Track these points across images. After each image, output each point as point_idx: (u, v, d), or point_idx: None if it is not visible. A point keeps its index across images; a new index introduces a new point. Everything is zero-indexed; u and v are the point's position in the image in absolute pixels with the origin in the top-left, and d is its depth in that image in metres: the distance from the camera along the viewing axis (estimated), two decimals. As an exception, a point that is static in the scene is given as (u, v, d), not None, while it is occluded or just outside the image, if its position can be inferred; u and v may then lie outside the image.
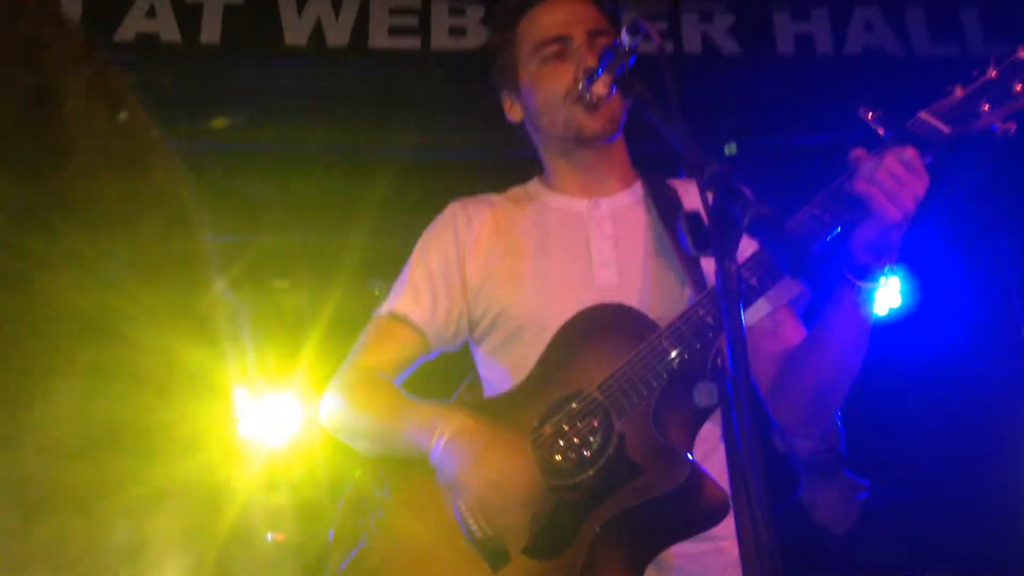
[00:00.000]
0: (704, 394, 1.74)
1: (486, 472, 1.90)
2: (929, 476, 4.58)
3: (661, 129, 1.74)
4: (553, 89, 2.18)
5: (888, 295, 4.97)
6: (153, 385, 0.49)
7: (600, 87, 1.98)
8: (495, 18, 2.42)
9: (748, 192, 1.44)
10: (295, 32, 3.98)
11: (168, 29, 3.89)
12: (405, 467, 2.05)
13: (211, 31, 3.91)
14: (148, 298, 0.50)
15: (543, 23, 2.23)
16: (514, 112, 2.35)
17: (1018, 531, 4.53)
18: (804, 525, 4.14)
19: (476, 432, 1.95)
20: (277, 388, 5.09)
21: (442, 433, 1.96)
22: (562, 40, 2.18)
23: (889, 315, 4.97)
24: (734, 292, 1.42)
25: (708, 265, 2.08)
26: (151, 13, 3.90)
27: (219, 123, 3.96)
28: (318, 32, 3.99)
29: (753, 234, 1.40)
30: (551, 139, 2.28)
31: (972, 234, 4.77)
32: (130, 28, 3.88)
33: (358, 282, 4.71)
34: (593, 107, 2.11)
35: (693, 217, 1.49)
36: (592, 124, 2.14)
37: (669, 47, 4.05)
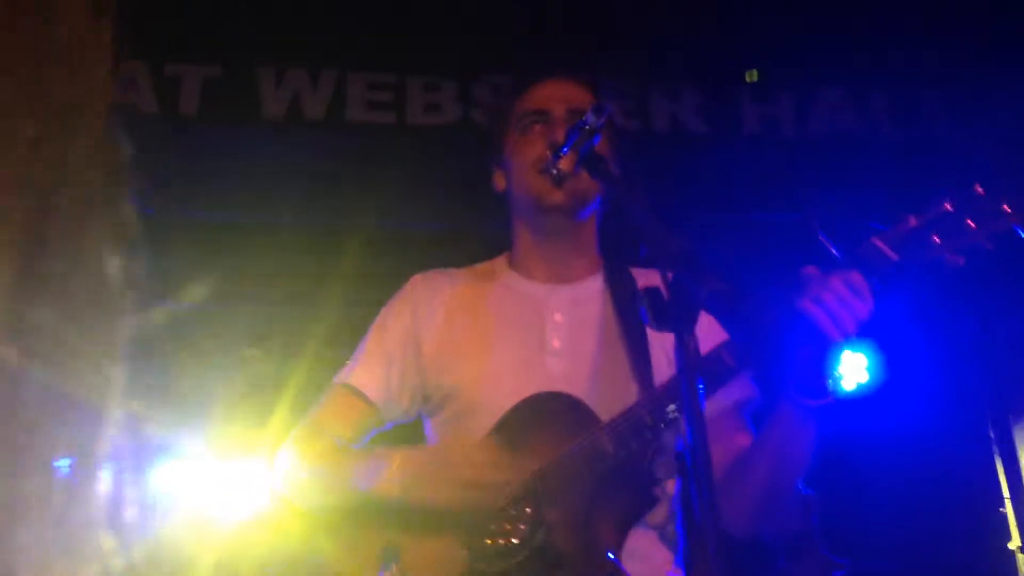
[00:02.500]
0: (665, 466, 1.76)
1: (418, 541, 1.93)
2: (895, 549, 4.58)
3: (625, 205, 1.78)
4: (526, 157, 2.24)
5: (856, 371, 5.04)
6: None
7: (565, 163, 2.03)
8: (493, 96, 2.51)
9: (708, 269, 1.48)
10: (273, 105, 4.04)
11: (147, 101, 3.94)
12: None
13: (189, 102, 3.97)
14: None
15: (530, 99, 2.32)
16: (499, 182, 2.40)
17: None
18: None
19: (426, 458, 2.01)
20: (247, 457, 5.04)
21: (391, 461, 2.00)
22: (543, 114, 2.26)
23: (857, 390, 5.03)
24: (692, 366, 1.46)
25: (658, 363, 2.14)
26: (131, 85, 3.96)
27: None
28: (296, 105, 4.06)
29: (710, 310, 1.44)
30: (520, 206, 2.33)
31: (933, 307, 4.85)
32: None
33: (331, 351, 4.70)
34: (558, 181, 2.15)
35: (653, 292, 1.52)
36: (553, 196, 2.18)
37: (637, 126, 4.15)
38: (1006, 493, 4.67)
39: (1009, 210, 1.84)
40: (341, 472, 2.12)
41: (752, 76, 4.29)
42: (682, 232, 1.54)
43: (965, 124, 4.37)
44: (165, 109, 3.96)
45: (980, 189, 1.86)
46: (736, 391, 2.18)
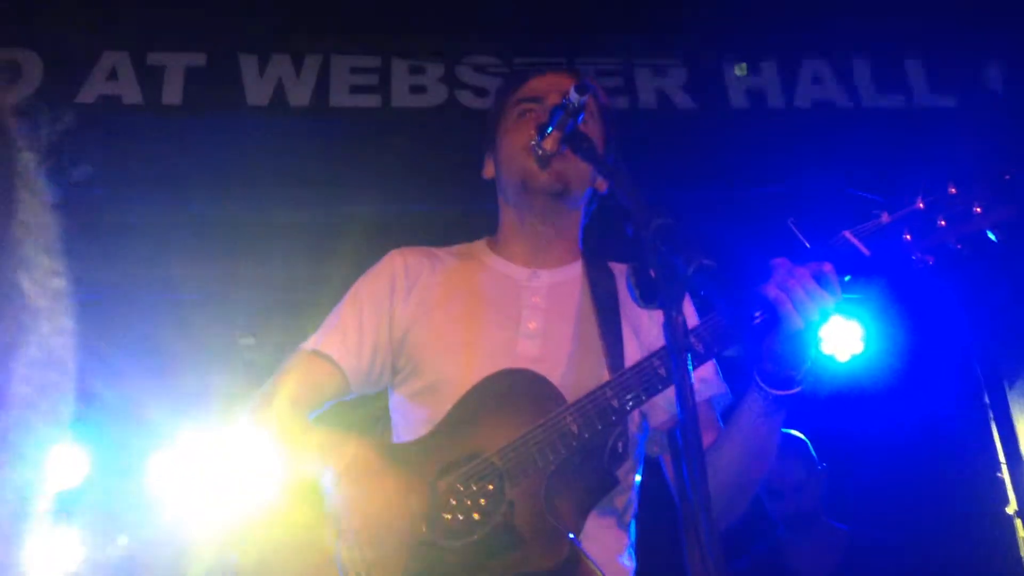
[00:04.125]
0: (655, 444, 1.76)
1: (370, 507, 1.93)
2: (894, 515, 4.61)
3: (610, 183, 1.79)
4: (515, 141, 2.28)
5: (851, 341, 5.05)
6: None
7: (550, 143, 2.04)
8: (496, 89, 2.56)
9: (693, 245, 1.48)
10: (257, 92, 4.02)
11: (130, 91, 3.92)
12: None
13: (173, 92, 3.94)
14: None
15: (526, 88, 2.37)
16: (488, 169, 2.44)
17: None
18: (777, 573, 4.14)
19: (368, 466, 1.98)
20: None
21: (336, 462, 1.99)
22: (536, 100, 2.31)
23: (851, 361, 5.04)
24: (681, 343, 1.46)
25: (630, 350, 2.15)
26: (112, 75, 3.93)
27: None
28: (280, 92, 4.03)
29: (697, 285, 1.44)
30: (507, 188, 2.36)
31: (925, 275, 4.86)
32: (92, 90, 3.90)
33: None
34: (544, 161, 2.16)
35: (640, 270, 1.53)
36: (539, 176, 2.21)
37: (624, 103, 4.14)
38: (1002, 458, 4.69)
39: (980, 211, 1.86)
40: (293, 453, 2.12)
41: (742, 70, 4.29)
42: (667, 210, 1.54)
43: (948, 91, 4.36)
44: (149, 99, 3.93)
45: (953, 189, 1.89)
46: (707, 387, 2.20)
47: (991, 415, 4.79)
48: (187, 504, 5.03)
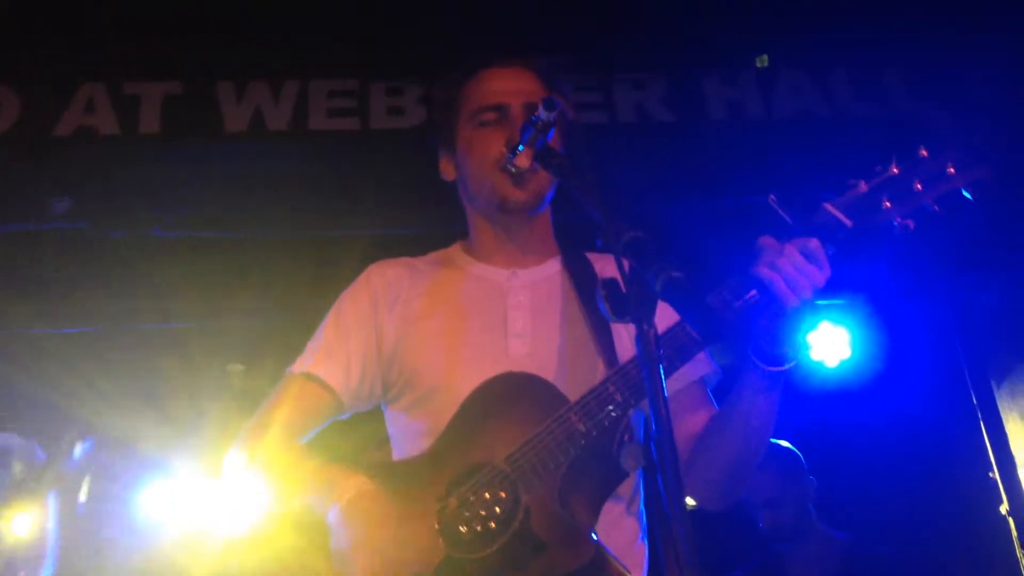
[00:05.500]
0: (631, 457, 1.75)
1: (380, 543, 1.89)
2: (889, 520, 4.61)
3: (580, 198, 1.78)
4: (484, 156, 2.22)
5: (838, 347, 5.06)
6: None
7: (522, 160, 2.03)
8: (442, 78, 2.45)
9: (662, 258, 1.48)
10: (235, 118, 4.03)
11: (108, 122, 3.92)
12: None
13: (150, 121, 3.94)
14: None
15: (485, 89, 2.28)
16: (447, 171, 2.39)
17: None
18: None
19: (374, 499, 1.95)
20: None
21: (339, 498, 1.96)
22: (500, 108, 2.24)
23: (839, 366, 5.05)
24: (654, 356, 1.45)
25: (620, 340, 2.14)
26: (90, 107, 3.93)
27: None
28: (258, 117, 4.04)
29: (666, 299, 1.43)
30: (478, 202, 2.32)
31: (913, 279, 4.88)
32: (69, 123, 3.90)
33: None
34: (519, 179, 2.15)
35: (610, 284, 1.52)
36: (517, 196, 2.19)
37: (603, 117, 4.16)
38: (992, 458, 4.70)
39: (953, 171, 1.89)
40: (290, 489, 2.09)
41: (763, 62, 4.31)
42: (636, 222, 1.54)
43: (926, 97, 4.39)
44: (127, 129, 3.93)
45: (924, 152, 1.91)
46: (698, 367, 2.19)
47: (980, 415, 4.80)
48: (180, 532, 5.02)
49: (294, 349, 4.30)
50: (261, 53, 4.12)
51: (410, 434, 2.19)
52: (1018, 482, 4.61)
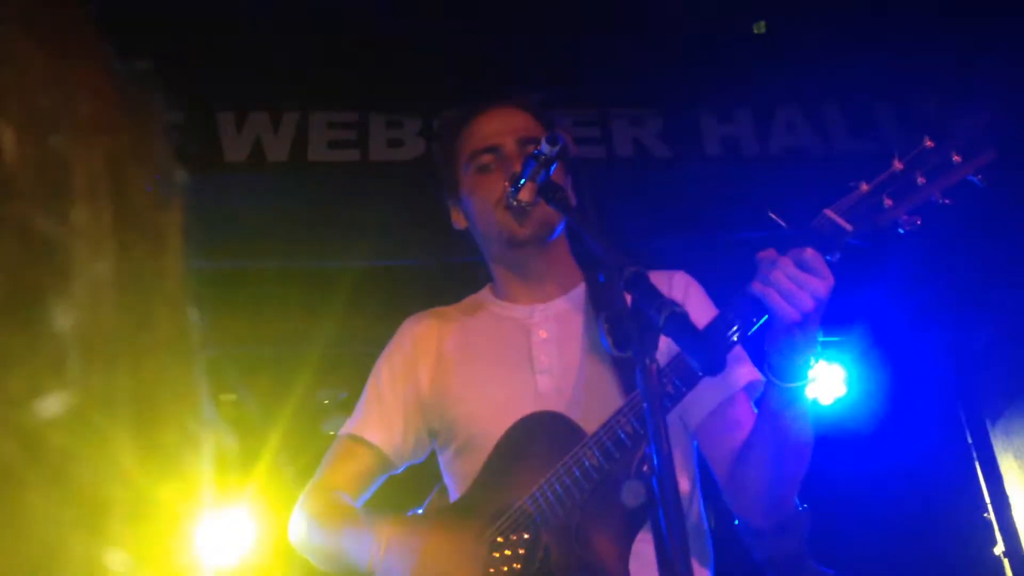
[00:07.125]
0: (631, 494, 1.75)
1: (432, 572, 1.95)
2: (882, 559, 4.58)
3: (581, 233, 1.79)
4: (486, 197, 2.26)
5: (834, 384, 5.05)
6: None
7: (525, 194, 2.04)
8: (438, 132, 2.52)
9: (664, 293, 1.49)
10: (235, 149, 4.04)
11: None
12: None
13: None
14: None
15: (477, 134, 2.32)
16: (459, 220, 2.43)
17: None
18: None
19: (410, 537, 2.01)
20: (228, 504, 4.97)
21: (378, 545, 2.02)
22: (494, 150, 2.27)
23: (835, 404, 5.04)
24: (655, 390, 1.46)
25: None
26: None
27: None
28: (258, 148, 4.06)
29: (668, 333, 1.43)
30: (489, 244, 2.36)
31: (908, 318, 4.89)
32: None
33: (306, 393, 4.67)
34: (522, 213, 2.17)
35: (612, 318, 1.53)
36: (522, 230, 2.21)
37: (601, 152, 4.18)
38: (987, 499, 4.68)
39: (959, 159, 1.77)
40: (337, 546, 2.16)
41: (760, 28, 4.28)
42: (638, 257, 1.54)
43: (919, 132, 4.42)
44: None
45: (930, 142, 1.80)
46: (743, 375, 2.16)
47: (975, 455, 4.79)
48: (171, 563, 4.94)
49: (287, 379, 4.32)
50: (261, 84, 4.14)
51: (457, 478, 2.25)
52: (1013, 523, 4.59)
